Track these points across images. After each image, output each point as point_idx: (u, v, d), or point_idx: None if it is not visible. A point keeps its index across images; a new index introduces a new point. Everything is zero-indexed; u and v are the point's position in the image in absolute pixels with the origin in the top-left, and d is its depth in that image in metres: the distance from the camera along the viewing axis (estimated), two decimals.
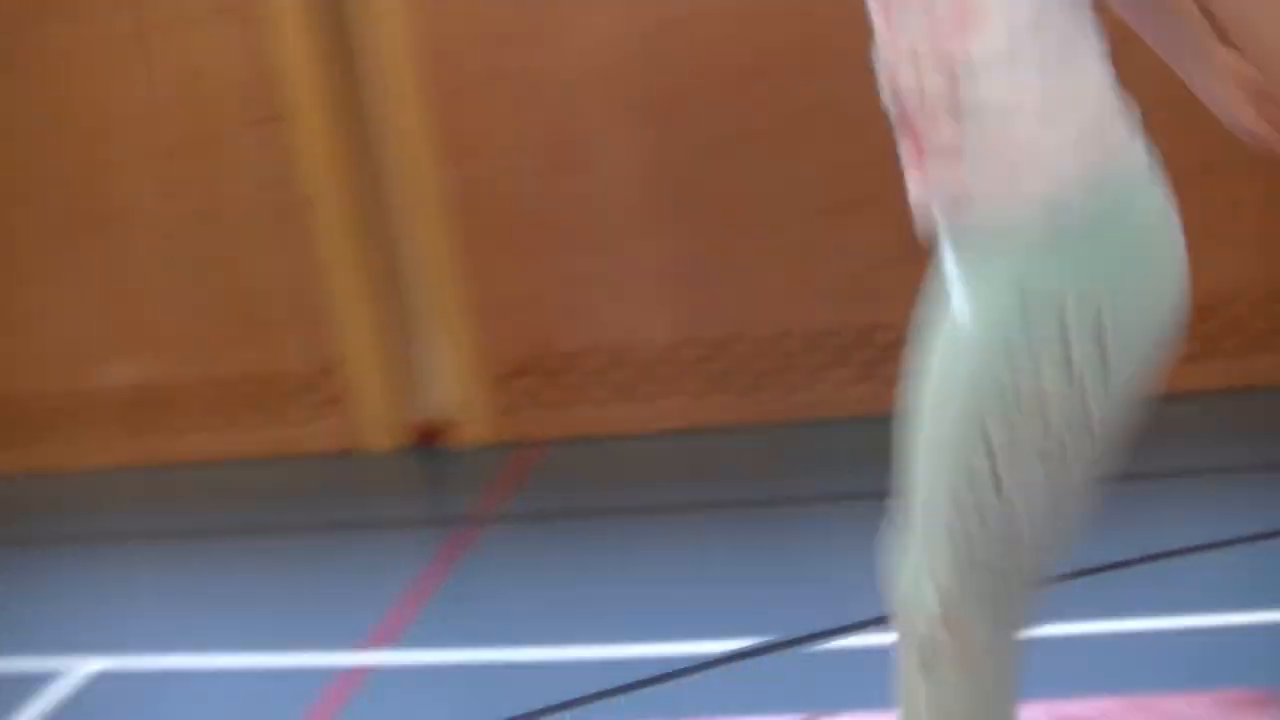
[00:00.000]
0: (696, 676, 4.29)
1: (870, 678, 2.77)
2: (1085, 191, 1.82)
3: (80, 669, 4.98)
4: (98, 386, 7.48)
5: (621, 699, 4.18)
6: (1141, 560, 4.40)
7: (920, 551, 1.98)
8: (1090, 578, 4.00)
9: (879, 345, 6.39)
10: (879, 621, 2.37)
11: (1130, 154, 1.91)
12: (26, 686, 4.90)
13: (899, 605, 2.06)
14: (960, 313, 1.92)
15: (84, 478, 7.51)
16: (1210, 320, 5.71)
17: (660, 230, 6.43)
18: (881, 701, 2.43)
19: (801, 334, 6.49)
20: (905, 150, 1.97)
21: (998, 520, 1.90)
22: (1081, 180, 1.83)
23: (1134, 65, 2.08)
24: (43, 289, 7.39)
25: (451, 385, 6.94)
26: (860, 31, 2.05)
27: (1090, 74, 1.87)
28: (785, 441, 6.32)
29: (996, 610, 1.96)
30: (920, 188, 1.96)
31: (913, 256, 2.47)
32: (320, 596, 5.52)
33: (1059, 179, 1.83)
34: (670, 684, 4.25)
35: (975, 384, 1.87)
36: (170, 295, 7.21)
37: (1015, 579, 1.96)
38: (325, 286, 6.98)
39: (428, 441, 7.04)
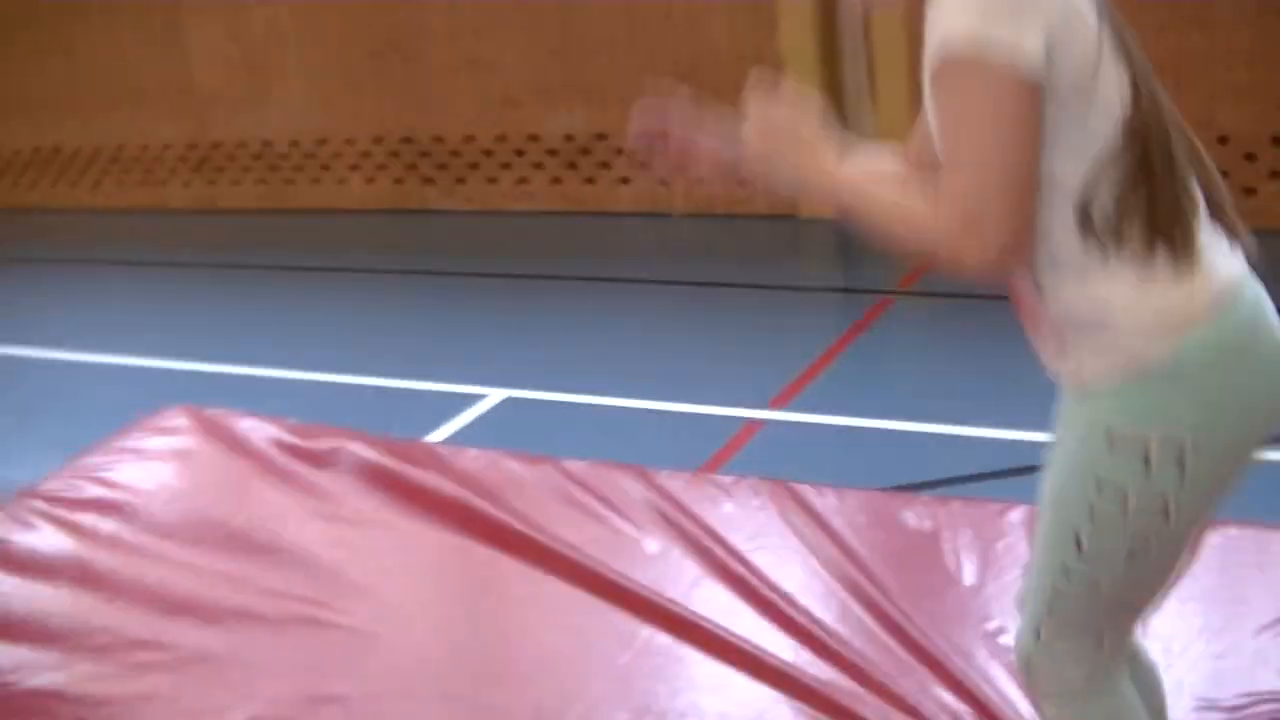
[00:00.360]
0: None
1: None
2: (1170, 350, 1.96)
3: (496, 395, 5.28)
4: (542, 131, 7.77)
5: (1008, 481, 4.16)
6: None
7: (1025, 615, 2.23)
8: None
9: None
10: None
11: (1219, 300, 1.99)
12: (450, 404, 5.23)
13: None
14: (1063, 439, 2.12)
15: (520, 219, 7.86)
16: None
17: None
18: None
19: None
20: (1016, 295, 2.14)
21: (1088, 599, 2.13)
22: (1165, 342, 1.96)
23: None
24: (497, 36, 7.67)
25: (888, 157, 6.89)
26: None
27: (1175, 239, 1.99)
28: None
29: (1086, 663, 2.19)
30: (1032, 335, 2.14)
31: None
32: (733, 351, 5.65)
33: (1142, 347, 1.97)
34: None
35: (1071, 501, 2.07)
36: (620, 48, 7.37)
37: (1106, 634, 2.18)
38: (774, 48, 6.99)
39: None
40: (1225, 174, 2.19)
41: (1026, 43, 1.84)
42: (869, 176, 2.03)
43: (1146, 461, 1.97)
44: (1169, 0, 6.00)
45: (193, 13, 8.63)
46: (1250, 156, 6.19)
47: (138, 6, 8.80)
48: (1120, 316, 1.96)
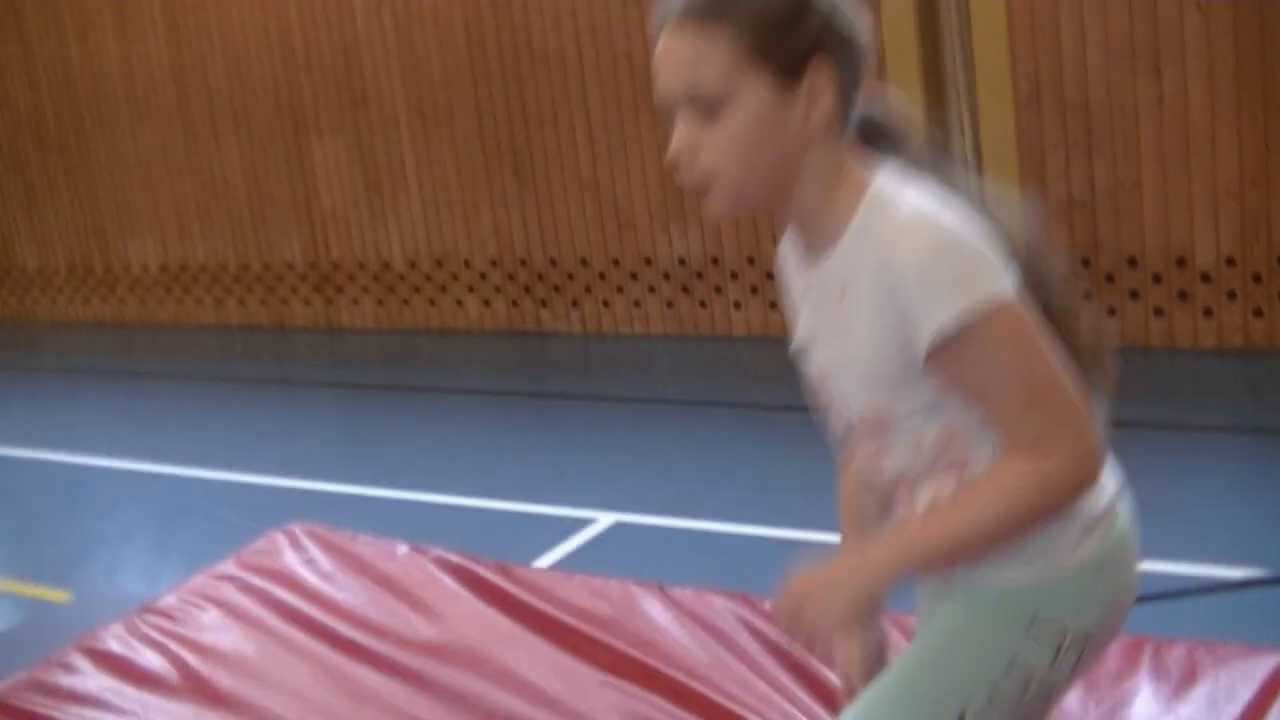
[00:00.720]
0: (1205, 598, 4.21)
1: None
2: (1096, 548, 1.99)
3: (606, 519, 5.32)
4: (656, 255, 7.86)
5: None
6: None
7: None
8: None
9: None
10: None
11: (1123, 491, 2.07)
12: (561, 528, 5.28)
13: None
14: (957, 615, 2.06)
15: (634, 342, 7.93)
16: None
17: (1228, 140, 6.15)
18: None
19: None
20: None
21: None
22: (1093, 540, 1.99)
23: None
24: (612, 160, 7.80)
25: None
26: None
27: None
28: None
29: None
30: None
31: None
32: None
33: (1073, 549, 1.99)
34: (1173, 602, 4.17)
35: (968, 677, 2.01)
36: None
37: None
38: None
39: None
40: None
41: (1005, 276, 1.84)
42: (938, 517, 1.96)
43: (1058, 650, 1.99)
44: None
45: (317, 134, 8.86)
46: None
47: (265, 127, 9.05)
48: (1056, 525, 1.96)
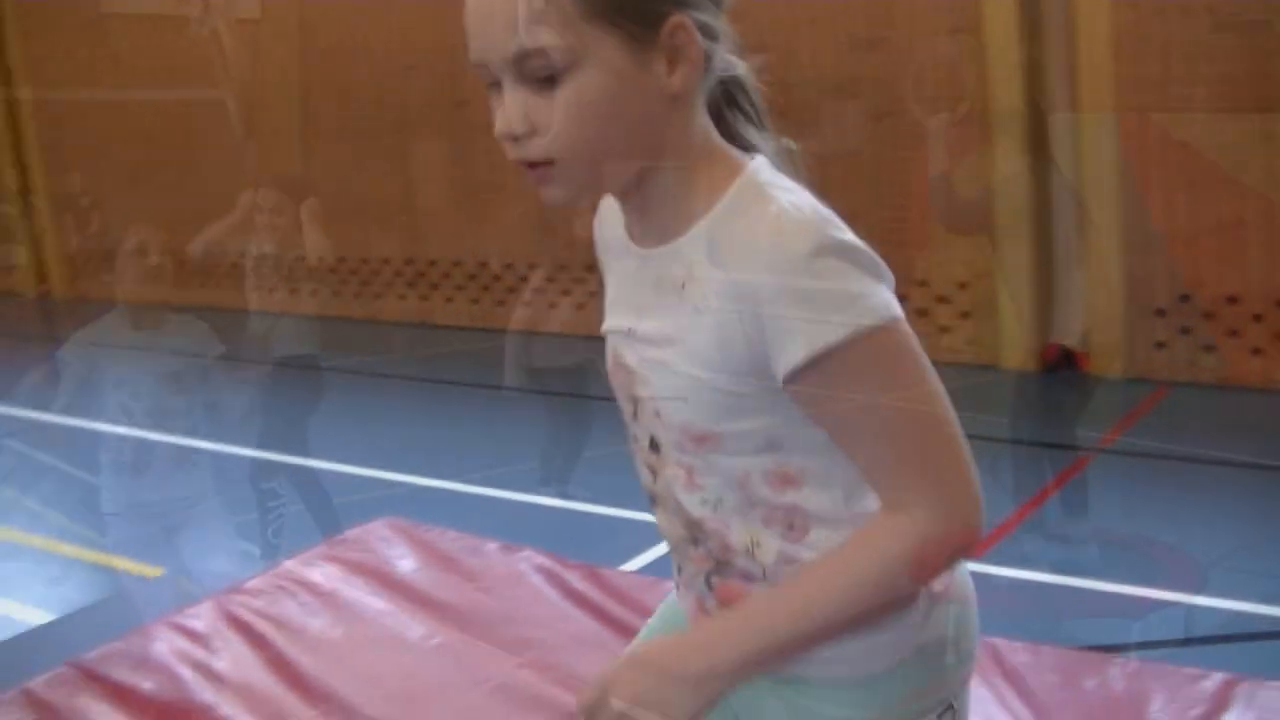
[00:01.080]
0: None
1: None
2: (951, 619, 1.70)
3: None
4: None
5: (1198, 650, 4.11)
6: None
7: None
8: None
9: None
10: None
11: (962, 577, 1.75)
12: (645, 534, 5.28)
13: None
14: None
15: None
16: None
17: None
18: None
19: None
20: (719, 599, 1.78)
21: None
22: (946, 612, 1.70)
23: None
24: None
25: (1092, 315, 6.86)
26: None
27: None
28: None
29: None
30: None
31: None
32: None
33: (927, 624, 1.69)
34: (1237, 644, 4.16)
35: None
36: (840, 192, 7.46)
37: None
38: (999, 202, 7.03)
39: (1060, 367, 7.01)
40: None
41: (892, 294, 1.56)
42: (797, 590, 1.63)
43: None
44: None
45: (418, 135, 8.93)
46: None
47: (366, 125, 9.14)
48: (911, 602, 1.67)
